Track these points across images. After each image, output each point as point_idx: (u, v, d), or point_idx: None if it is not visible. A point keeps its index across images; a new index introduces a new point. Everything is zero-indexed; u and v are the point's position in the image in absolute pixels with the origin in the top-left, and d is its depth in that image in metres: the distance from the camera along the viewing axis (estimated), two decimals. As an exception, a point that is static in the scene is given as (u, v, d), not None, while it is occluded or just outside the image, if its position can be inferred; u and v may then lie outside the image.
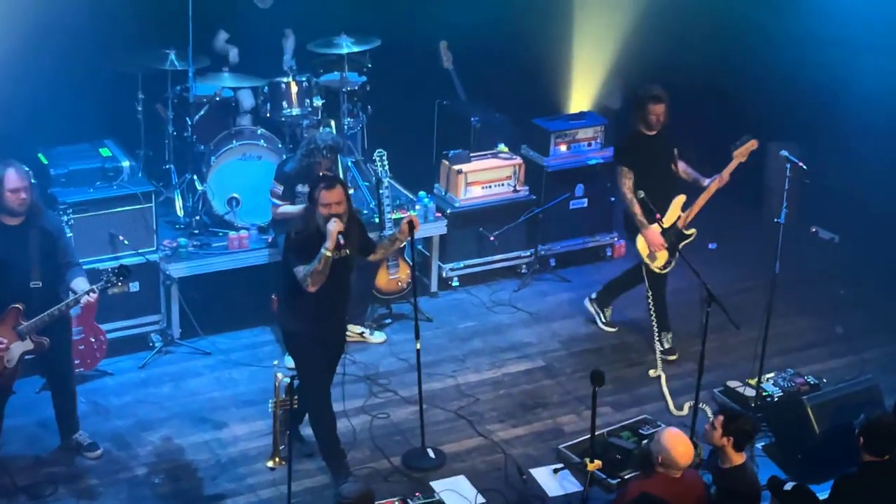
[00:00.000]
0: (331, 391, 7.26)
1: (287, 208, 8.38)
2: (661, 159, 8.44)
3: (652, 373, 8.47)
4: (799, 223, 9.69)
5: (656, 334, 8.53)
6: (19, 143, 8.53)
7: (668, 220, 8.37)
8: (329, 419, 7.26)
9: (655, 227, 8.35)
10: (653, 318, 8.55)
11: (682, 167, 8.59)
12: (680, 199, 8.46)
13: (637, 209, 8.32)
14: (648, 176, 8.31)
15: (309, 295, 6.89)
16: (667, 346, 8.61)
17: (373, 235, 7.68)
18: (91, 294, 6.92)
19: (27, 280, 6.89)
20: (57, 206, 8.19)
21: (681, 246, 8.45)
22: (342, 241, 6.82)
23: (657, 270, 8.51)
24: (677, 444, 6.32)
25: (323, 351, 7.14)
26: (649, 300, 8.51)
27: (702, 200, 8.43)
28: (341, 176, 8.46)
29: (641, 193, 7.85)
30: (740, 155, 8.39)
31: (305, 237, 6.94)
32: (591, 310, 9.04)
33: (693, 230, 8.48)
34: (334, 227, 6.83)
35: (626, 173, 8.35)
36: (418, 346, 7.14)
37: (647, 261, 8.48)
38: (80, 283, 7.05)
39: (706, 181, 8.45)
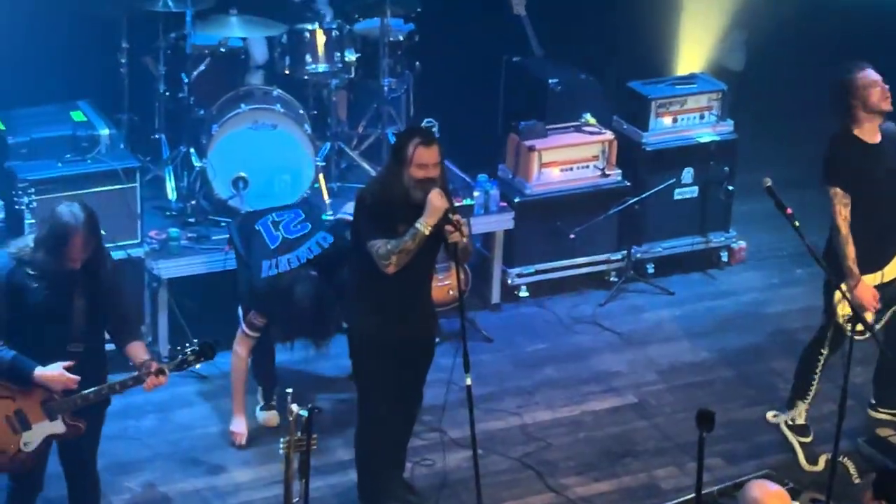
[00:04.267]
0: (414, 416, 7.53)
1: (242, 350, 8.09)
2: (891, 181, 7.76)
3: (771, 416, 8.42)
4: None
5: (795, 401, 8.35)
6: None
7: (890, 273, 7.86)
8: (384, 450, 7.38)
9: (869, 279, 7.75)
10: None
11: None
12: None
13: (851, 250, 7.64)
14: (872, 205, 7.66)
15: (389, 281, 6.98)
16: (800, 420, 8.40)
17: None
18: (160, 376, 6.81)
19: (65, 341, 6.74)
20: (15, 183, 8.27)
21: (889, 313, 7.91)
22: (456, 219, 6.88)
23: (851, 335, 7.65)
24: (769, 500, 6.26)
25: (402, 359, 7.23)
26: (820, 363, 8.10)
27: None
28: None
29: (768, 181, 7.68)
30: None
31: (385, 202, 7.00)
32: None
33: None
34: (441, 202, 6.89)
35: (842, 198, 7.65)
36: (468, 381, 7.14)
37: (840, 320, 7.85)
38: (137, 352, 6.89)
39: None
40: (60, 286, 6.62)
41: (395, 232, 6.96)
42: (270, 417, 8.26)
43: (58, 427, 6.73)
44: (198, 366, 7.11)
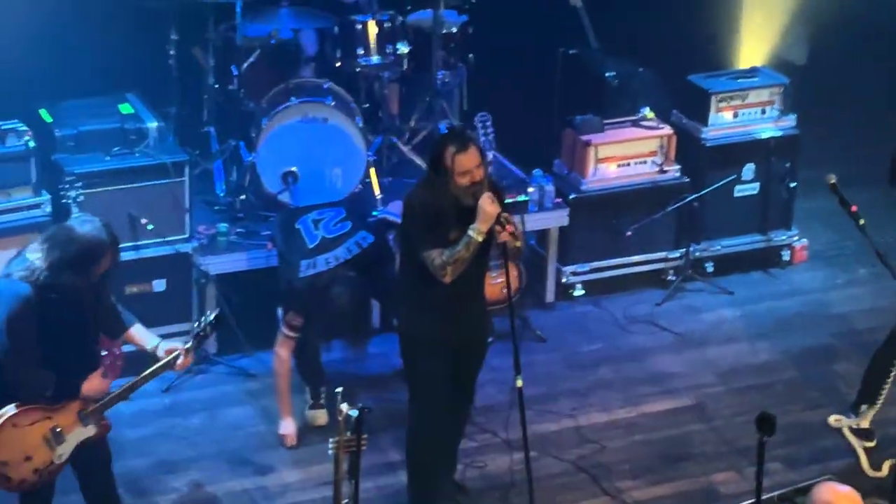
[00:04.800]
0: (465, 417, 7.56)
1: (284, 352, 8.11)
2: None
3: (833, 420, 8.37)
4: None
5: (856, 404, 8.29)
6: (17, 96, 8.70)
7: None
8: (435, 451, 7.37)
9: None
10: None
11: None
12: None
13: None
14: None
15: (440, 283, 6.99)
16: (864, 424, 8.34)
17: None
18: (188, 355, 6.86)
19: (89, 347, 6.79)
20: (62, 177, 8.32)
21: None
22: (510, 225, 6.85)
23: None
24: (840, 501, 6.21)
25: (454, 359, 7.24)
26: (893, 372, 8.03)
27: None
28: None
29: (832, 178, 7.67)
30: None
31: (434, 212, 6.99)
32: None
33: None
34: (492, 207, 6.86)
35: None
36: (519, 382, 7.13)
37: None
38: (141, 335, 6.94)
39: None
40: (80, 300, 6.58)
41: (447, 239, 6.96)
42: (318, 416, 8.27)
43: (90, 430, 6.76)
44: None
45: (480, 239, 6.90)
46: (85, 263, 6.51)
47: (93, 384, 6.68)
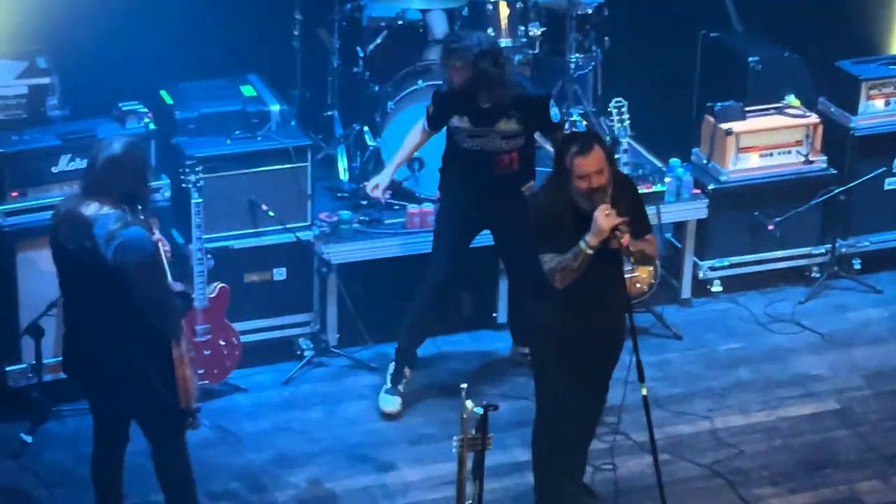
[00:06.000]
0: (596, 416, 7.51)
1: (411, 142, 8.39)
2: None
3: None
4: None
5: None
6: (137, 77, 8.83)
7: None
8: (563, 451, 7.35)
9: None
10: None
11: None
12: None
13: None
14: None
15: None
16: None
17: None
18: (162, 239, 6.85)
19: None
20: (182, 160, 8.41)
21: None
22: (621, 237, 6.81)
23: None
24: None
25: (587, 355, 7.20)
26: None
27: None
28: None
29: None
30: None
31: (554, 213, 6.98)
32: None
33: None
34: (606, 221, 6.80)
35: None
36: (644, 391, 7.05)
37: None
38: None
39: None
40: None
41: (566, 243, 6.92)
42: (393, 404, 8.29)
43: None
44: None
45: (591, 252, 6.85)
46: (145, 169, 6.69)
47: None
